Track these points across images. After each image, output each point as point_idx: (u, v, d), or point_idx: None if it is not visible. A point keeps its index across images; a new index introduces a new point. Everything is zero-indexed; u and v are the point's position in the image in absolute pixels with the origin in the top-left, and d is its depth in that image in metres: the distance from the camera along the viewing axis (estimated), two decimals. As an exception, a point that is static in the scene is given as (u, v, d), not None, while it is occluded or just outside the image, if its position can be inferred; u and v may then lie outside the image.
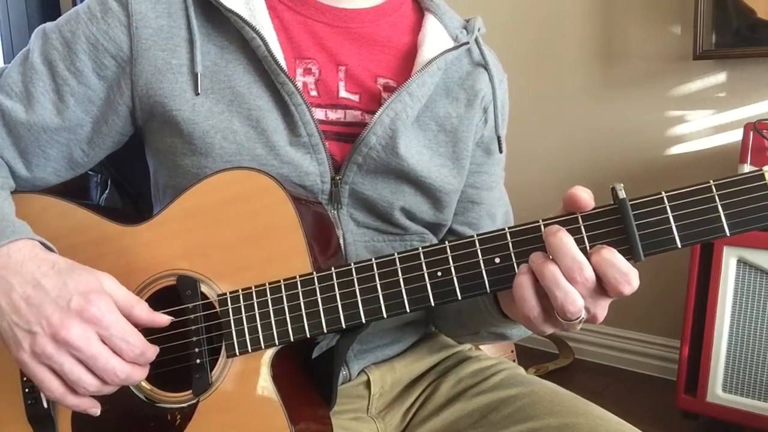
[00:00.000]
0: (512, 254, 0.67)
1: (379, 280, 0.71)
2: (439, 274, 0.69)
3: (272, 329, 0.73)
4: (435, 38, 0.90)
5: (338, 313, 0.72)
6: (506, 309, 0.77)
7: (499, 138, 0.95)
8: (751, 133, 1.84)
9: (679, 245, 0.63)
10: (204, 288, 0.76)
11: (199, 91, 0.81)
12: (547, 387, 0.90)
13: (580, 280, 0.62)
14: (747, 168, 1.85)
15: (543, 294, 0.64)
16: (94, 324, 0.68)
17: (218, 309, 0.75)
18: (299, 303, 0.73)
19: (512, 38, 2.53)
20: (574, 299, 0.62)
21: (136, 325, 0.72)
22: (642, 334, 2.46)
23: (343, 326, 0.72)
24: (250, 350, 0.74)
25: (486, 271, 0.68)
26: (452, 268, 0.69)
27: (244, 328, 0.74)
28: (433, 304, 0.70)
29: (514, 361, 1.22)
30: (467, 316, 0.89)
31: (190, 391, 0.75)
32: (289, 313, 0.73)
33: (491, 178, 0.98)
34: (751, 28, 2.06)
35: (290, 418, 0.72)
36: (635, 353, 2.47)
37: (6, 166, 0.83)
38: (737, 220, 0.62)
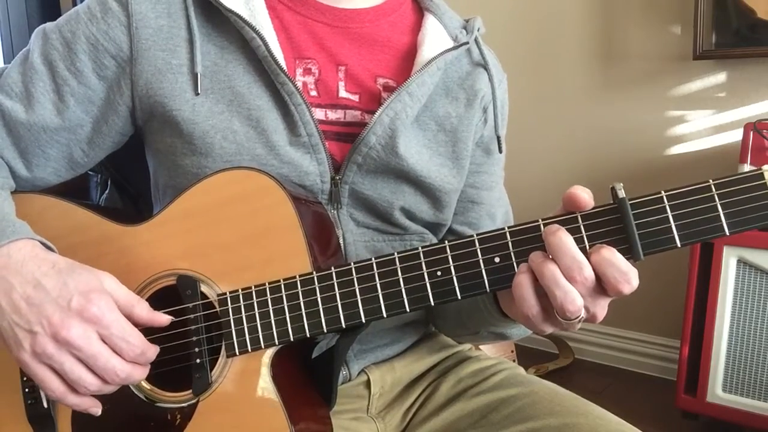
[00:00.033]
0: (512, 254, 0.67)
1: (379, 280, 0.71)
2: (439, 273, 0.69)
3: (272, 329, 0.73)
4: (435, 38, 0.90)
5: (338, 312, 0.72)
6: (506, 308, 0.77)
7: (498, 138, 0.95)
8: (751, 133, 1.84)
9: (679, 244, 0.63)
10: (204, 288, 0.76)
11: (199, 91, 0.81)
12: (547, 387, 0.90)
13: (580, 279, 0.62)
14: (747, 168, 1.85)
15: (542, 293, 0.64)
16: (95, 323, 0.69)
17: (218, 309, 0.75)
18: (299, 303, 0.73)
19: (512, 38, 2.53)
20: (573, 298, 0.63)
21: (137, 324, 0.72)
22: (642, 334, 2.46)
23: (343, 326, 0.72)
24: (249, 350, 0.74)
25: (486, 270, 0.68)
26: (452, 268, 0.69)
27: (244, 328, 0.74)
28: (432, 304, 0.70)
29: (514, 361, 1.22)
30: (467, 315, 0.89)
31: (190, 391, 0.75)
32: (289, 313, 0.73)
33: (491, 178, 0.98)
34: (751, 28, 2.06)
35: (290, 417, 0.72)
36: (635, 353, 2.47)
37: (6, 166, 0.83)
38: (737, 220, 0.62)
